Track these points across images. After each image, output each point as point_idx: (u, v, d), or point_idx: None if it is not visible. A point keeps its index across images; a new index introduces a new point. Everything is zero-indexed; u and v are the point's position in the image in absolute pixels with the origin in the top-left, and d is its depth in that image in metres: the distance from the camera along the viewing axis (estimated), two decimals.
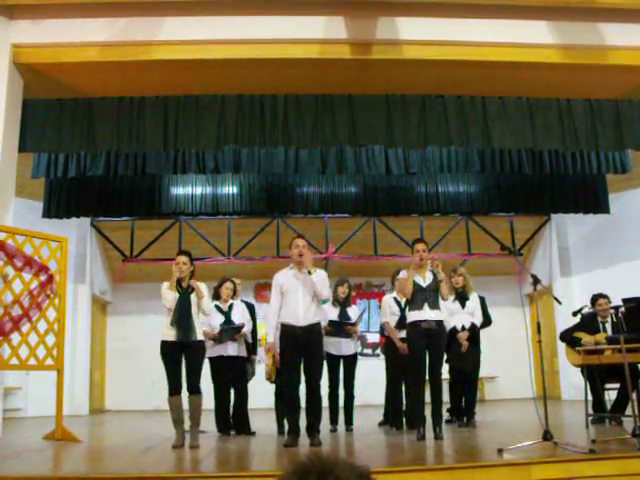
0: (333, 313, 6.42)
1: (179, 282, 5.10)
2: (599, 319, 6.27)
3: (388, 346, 6.31)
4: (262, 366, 6.31)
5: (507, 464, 3.62)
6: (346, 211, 10.56)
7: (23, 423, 8.45)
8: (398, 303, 6.24)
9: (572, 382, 9.75)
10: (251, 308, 6.56)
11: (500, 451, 3.93)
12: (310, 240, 5.52)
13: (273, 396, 6.12)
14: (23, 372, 8.56)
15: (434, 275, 5.28)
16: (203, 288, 5.18)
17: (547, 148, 7.55)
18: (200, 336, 5.14)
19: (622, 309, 4.78)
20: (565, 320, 7.11)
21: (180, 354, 5.01)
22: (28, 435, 6.62)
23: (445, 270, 5.32)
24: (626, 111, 7.06)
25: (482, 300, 6.65)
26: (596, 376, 5.88)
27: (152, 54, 6.21)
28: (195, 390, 4.99)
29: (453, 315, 6.34)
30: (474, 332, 6.41)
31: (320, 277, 5.10)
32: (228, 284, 6.29)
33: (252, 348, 6.45)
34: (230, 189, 10.33)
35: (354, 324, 6.43)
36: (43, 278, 5.89)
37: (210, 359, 6.06)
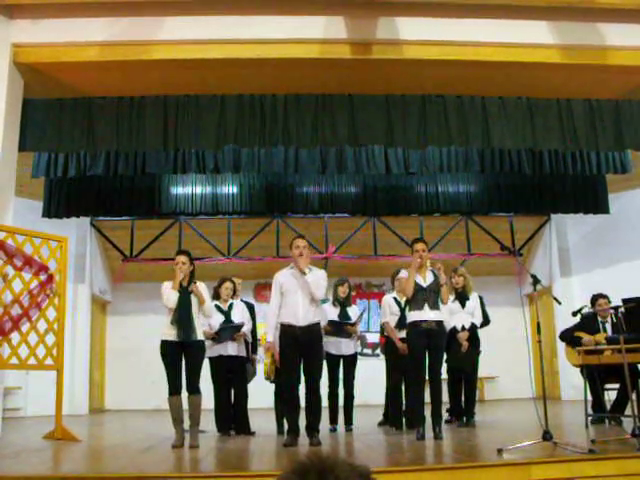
0: (333, 313, 6.42)
1: (179, 282, 5.10)
2: (599, 319, 6.27)
3: (388, 346, 6.31)
4: (261, 366, 6.32)
5: (507, 464, 3.62)
6: (346, 211, 10.57)
7: (23, 423, 8.45)
8: (398, 303, 6.24)
9: (572, 382, 9.74)
10: (251, 308, 6.57)
11: (500, 451, 3.93)
12: (310, 240, 5.51)
13: (273, 396, 6.13)
14: (23, 372, 8.56)
15: (435, 275, 5.28)
16: (203, 289, 5.17)
17: (547, 148, 7.56)
18: (200, 336, 5.14)
19: (622, 309, 4.78)
20: (565, 320, 7.10)
21: (180, 354, 5.01)
22: (28, 435, 6.62)
23: (445, 271, 5.32)
24: (626, 111, 7.06)
25: (480, 300, 6.65)
26: (596, 376, 5.88)
27: (152, 54, 6.20)
28: (195, 390, 4.99)
29: (453, 315, 6.34)
30: (474, 332, 6.42)
31: (316, 277, 5.09)
32: (228, 284, 6.29)
33: (252, 348, 6.46)
34: (230, 189, 10.33)
35: (354, 324, 6.43)
36: (43, 278, 5.89)
37: (210, 359, 6.06)
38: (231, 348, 6.10)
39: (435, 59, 6.34)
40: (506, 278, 11.59)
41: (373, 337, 11.74)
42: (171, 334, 5.00)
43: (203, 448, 4.82)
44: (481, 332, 6.58)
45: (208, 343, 5.77)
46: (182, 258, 5.14)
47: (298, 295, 5.05)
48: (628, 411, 5.33)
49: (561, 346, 7.17)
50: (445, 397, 5.67)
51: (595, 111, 7.04)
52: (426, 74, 6.62)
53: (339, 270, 10.24)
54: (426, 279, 5.26)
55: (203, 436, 5.53)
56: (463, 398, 6.48)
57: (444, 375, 5.58)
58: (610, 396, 6.11)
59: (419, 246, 5.29)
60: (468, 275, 6.60)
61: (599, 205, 10.08)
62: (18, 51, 6.18)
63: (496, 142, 6.93)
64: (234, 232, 10.79)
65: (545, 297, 11.39)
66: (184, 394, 5.01)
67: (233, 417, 6.21)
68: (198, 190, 10.35)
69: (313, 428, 4.93)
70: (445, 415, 6.20)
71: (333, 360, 6.32)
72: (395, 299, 6.32)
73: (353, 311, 6.56)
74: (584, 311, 6.01)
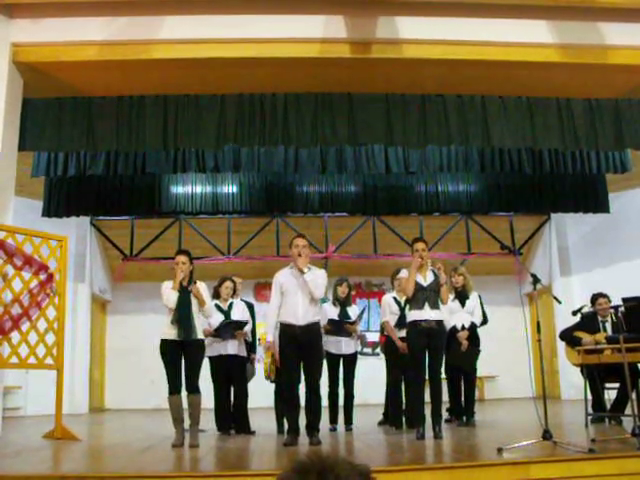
0: (333, 312, 6.42)
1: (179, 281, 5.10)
2: (599, 318, 6.27)
3: (388, 345, 6.31)
4: (260, 365, 6.32)
5: (507, 463, 3.62)
6: (346, 210, 10.57)
7: (23, 422, 8.45)
8: (398, 302, 6.24)
9: (572, 381, 9.75)
10: (250, 307, 6.57)
11: (500, 450, 3.93)
12: (310, 239, 5.51)
13: (273, 395, 6.13)
14: (23, 371, 8.55)
15: (435, 275, 5.28)
16: (203, 289, 5.17)
17: (547, 147, 7.56)
18: (200, 335, 5.14)
19: (622, 308, 4.78)
20: (565, 319, 7.10)
21: (180, 353, 5.01)
22: (28, 434, 6.62)
23: (445, 270, 5.32)
24: (626, 111, 7.05)
25: (479, 299, 6.65)
26: (596, 375, 5.88)
27: (152, 53, 6.20)
28: (194, 389, 4.99)
29: (453, 314, 6.34)
30: (474, 331, 6.43)
31: (315, 276, 5.09)
32: (228, 283, 6.29)
33: (251, 347, 6.45)
34: (230, 188, 10.33)
35: (354, 323, 6.43)
36: (43, 277, 5.89)
37: (210, 358, 6.06)
38: (231, 347, 6.10)
39: (435, 58, 6.34)
40: (506, 277, 11.59)
41: (373, 336, 11.73)
42: (171, 333, 5.00)
43: (203, 447, 4.82)
44: (481, 331, 6.58)
45: (208, 341, 5.77)
46: (182, 258, 5.14)
47: (298, 294, 5.05)
48: (628, 410, 5.32)
49: (561, 345, 7.18)
50: (445, 396, 5.66)
51: (595, 110, 7.04)
52: (426, 73, 6.62)
53: (339, 269, 10.25)
54: (426, 278, 5.26)
55: (203, 435, 5.54)
56: (463, 397, 6.49)
57: (444, 374, 5.59)
58: (610, 395, 6.11)
59: (419, 245, 5.29)
60: (468, 274, 6.60)
61: (599, 204, 10.08)
62: (18, 50, 6.18)
63: (496, 141, 6.92)
64: (234, 231, 10.79)
65: (545, 296, 11.39)
66: (184, 393, 5.01)
67: (233, 416, 6.21)
68: (198, 189, 10.35)
69: (313, 427, 4.93)
70: (445, 414, 6.20)
71: (333, 359, 6.32)
72: (395, 298, 6.32)
73: (353, 311, 6.56)
74: (584, 310, 6.00)
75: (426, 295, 5.19)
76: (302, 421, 4.98)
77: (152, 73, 6.49)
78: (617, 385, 6.01)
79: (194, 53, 6.21)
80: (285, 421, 5.35)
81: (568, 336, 6.26)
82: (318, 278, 5.10)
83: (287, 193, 10.36)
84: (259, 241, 10.75)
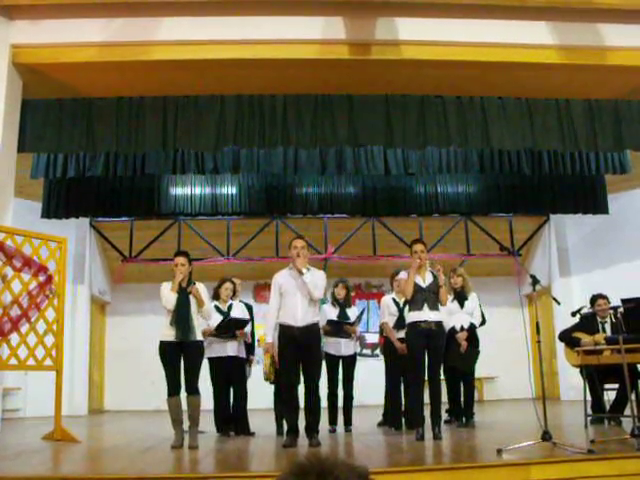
0: (332, 314, 6.42)
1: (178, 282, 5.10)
2: (598, 319, 6.27)
3: (387, 346, 6.31)
4: (259, 367, 6.31)
5: (506, 464, 3.62)
6: (345, 211, 10.57)
7: (22, 423, 8.44)
8: (397, 304, 6.25)
9: (571, 382, 9.74)
10: (249, 309, 6.56)
11: (499, 451, 3.93)
12: (309, 240, 5.51)
13: (272, 396, 6.13)
14: (22, 372, 8.55)
15: (434, 276, 5.28)
16: (202, 290, 5.17)
17: (546, 148, 7.56)
18: (199, 336, 5.13)
19: (621, 309, 4.78)
20: (564, 320, 7.11)
21: (179, 354, 5.00)
22: (27, 435, 6.62)
23: (444, 271, 5.32)
24: (625, 111, 7.06)
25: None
26: (595, 376, 5.88)
27: (151, 54, 6.20)
28: (194, 390, 4.98)
29: (452, 315, 6.34)
30: (473, 332, 6.43)
31: (314, 277, 5.08)
32: (228, 284, 6.29)
33: (250, 349, 6.45)
34: (229, 189, 10.33)
35: (353, 324, 6.43)
36: (42, 278, 5.88)
37: (209, 359, 6.05)
38: (230, 349, 6.09)
39: (434, 59, 6.35)
40: (505, 278, 11.60)
41: (372, 337, 11.74)
42: (170, 335, 5.00)
43: (202, 449, 4.81)
44: (480, 332, 6.58)
45: (207, 343, 5.77)
46: (181, 259, 5.13)
47: (297, 296, 5.05)
48: (627, 411, 5.33)
49: (560, 346, 7.17)
50: (444, 397, 5.66)
51: (594, 111, 7.05)
52: (425, 74, 6.62)
53: (338, 271, 10.24)
54: (425, 280, 5.26)
55: (202, 437, 5.53)
56: (462, 398, 6.49)
57: (443, 375, 5.59)
58: (609, 396, 6.11)
59: (418, 247, 5.29)
60: (467, 275, 6.60)
61: (598, 205, 10.09)
62: (17, 52, 6.18)
63: (495, 142, 6.93)
64: (233, 233, 10.79)
65: (544, 297, 11.39)
66: (183, 395, 5.01)
67: (232, 418, 6.20)
68: (197, 191, 10.35)
69: (312, 429, 4.93)
70: (444, 415, 6.19)
71: (332, 361, 6.32)
72: (394, 300, 6.32)
73: (353, 312, 6.56)
74: (583, 311, 6.01)
75: (425, 296, 5.19)
76: (301, 422, 4.98)
77: (151, 74, 6.49)
78: (616, 386, 6.01)
79: (193, 54, 6.21)
80: (284, 422, 5.34)
81: (567, 337, 6.27)
82: (317, 279, 5.10)
83: (286, 194, 10.36)
84: (258, 242, 10.75)
